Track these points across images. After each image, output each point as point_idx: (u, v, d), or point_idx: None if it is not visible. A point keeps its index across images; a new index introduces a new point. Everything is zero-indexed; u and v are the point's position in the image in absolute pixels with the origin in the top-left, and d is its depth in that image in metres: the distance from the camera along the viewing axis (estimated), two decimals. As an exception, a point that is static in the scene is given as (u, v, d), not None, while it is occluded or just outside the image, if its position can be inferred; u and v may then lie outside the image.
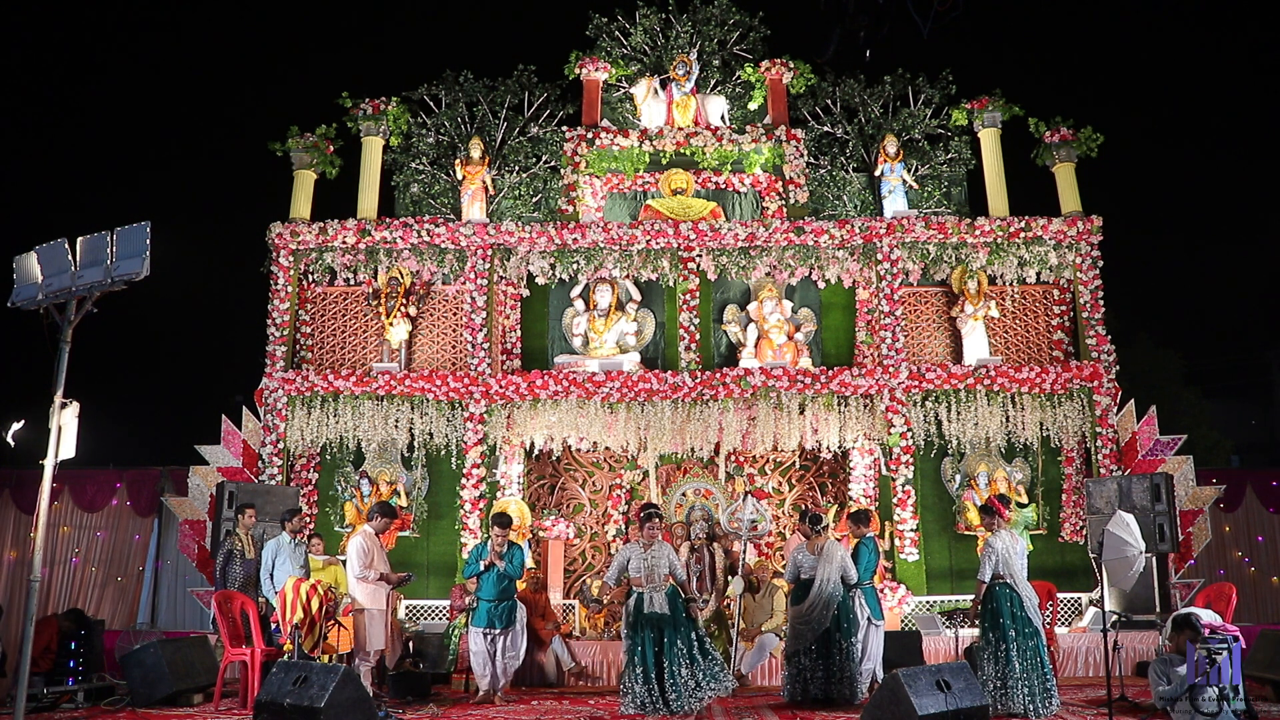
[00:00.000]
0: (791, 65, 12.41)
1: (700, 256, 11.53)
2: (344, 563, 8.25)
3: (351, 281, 11.81)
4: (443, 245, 11.48)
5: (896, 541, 10.68)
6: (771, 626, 9.18)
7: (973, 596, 7.86)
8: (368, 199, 11.97)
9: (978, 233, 11.31)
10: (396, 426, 11.07)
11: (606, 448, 11.36)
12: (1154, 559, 9.43)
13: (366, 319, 11.79)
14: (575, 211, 12.03)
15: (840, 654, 7.76)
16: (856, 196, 12.33)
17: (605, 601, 9.74)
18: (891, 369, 10.97)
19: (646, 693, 7.31)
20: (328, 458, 11.31)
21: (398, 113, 12.22)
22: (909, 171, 12.02)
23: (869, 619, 8.12)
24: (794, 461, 11.64)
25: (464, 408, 11.07)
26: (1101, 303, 11.24)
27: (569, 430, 10.98)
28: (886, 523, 10.73)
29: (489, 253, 11.45)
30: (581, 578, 11.24)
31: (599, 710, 7.75)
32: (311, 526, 10.68)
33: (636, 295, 11.80)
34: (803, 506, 11.08)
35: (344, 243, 11.49)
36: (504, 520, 8.40)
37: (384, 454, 11.30)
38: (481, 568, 8.25)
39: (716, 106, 12.60)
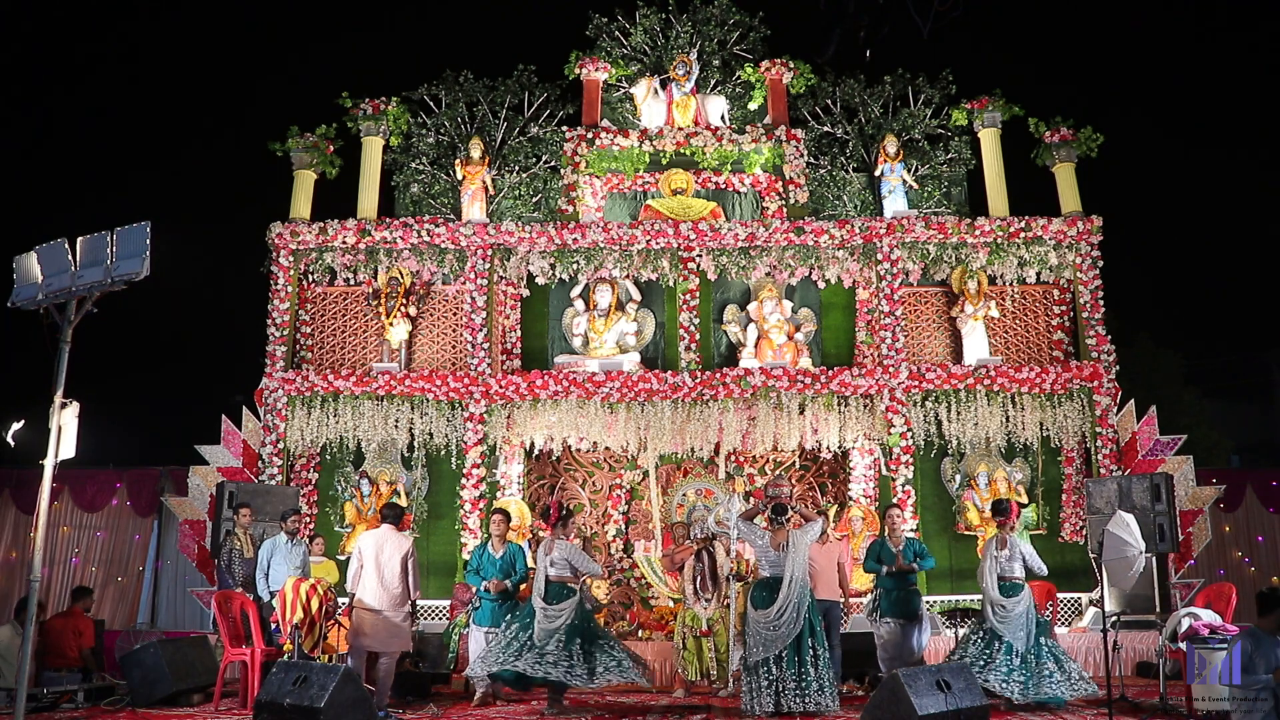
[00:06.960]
0: (791, 65, 12.40)
1: (700, 256, 11.52)
2: (341, 563, 8.18)
3: (351, 281, 11.81)
4: (443, 245, 11.48)
5: (896, 541, 10.67)
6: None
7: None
8: (368, 199, 11.97)
9: (978, 233, 11.31)
10: (396, 426, 11.07)
11: (606, 448, 11.36)
12: (1154, 559, 9.42)
13: (366, 319, 11.79)
14: (575, 211, 12.02)
15: (815, 660, 7.22)
16: (856, 196, 12.32)
17: (604, 603, 9.72)
18: (891, 369, 10.97)
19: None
20: (328, 458, 11.30)
21: (398, 113, 12.22)
22: (909, 171, 12.01)
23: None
24: (794, 461, 11.64)
25: (464, 408, 11.07)
26: (1101, 303, 11.24)
27: (569, 430, 10.97)
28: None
29: (489, 253, 11.44)
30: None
31: (599, 710, 7.74)
32: (311, 527, 10.69)
33: (636, 295, 11.80)
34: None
35: (344, 243, 11.49)
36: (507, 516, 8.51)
37: (384, 454, 11.29)
38: (483, 587, 8.19)
39: (716, 106, 12.59)
